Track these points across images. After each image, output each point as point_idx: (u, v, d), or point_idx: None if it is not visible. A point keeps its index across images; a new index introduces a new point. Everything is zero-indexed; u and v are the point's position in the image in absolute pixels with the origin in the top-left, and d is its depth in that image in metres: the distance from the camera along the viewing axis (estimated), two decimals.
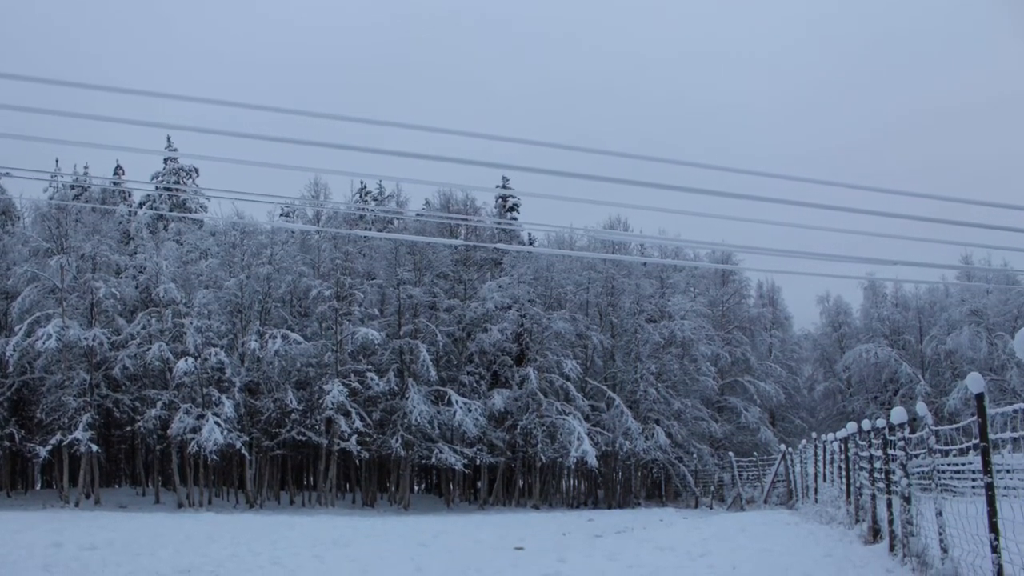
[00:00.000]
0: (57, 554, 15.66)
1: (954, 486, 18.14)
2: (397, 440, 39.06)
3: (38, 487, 45.81)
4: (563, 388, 42.81)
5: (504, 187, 49.93)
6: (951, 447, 10.43)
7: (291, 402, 37.88)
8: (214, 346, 37.68)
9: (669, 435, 44.24)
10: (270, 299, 40.85)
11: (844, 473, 18.02)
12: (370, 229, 45.10)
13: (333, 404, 37.38)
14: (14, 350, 35.86)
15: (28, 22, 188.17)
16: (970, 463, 17.20)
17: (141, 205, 54.24)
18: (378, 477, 44.61)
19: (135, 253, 42.35)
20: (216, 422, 35.70)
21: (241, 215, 41.98)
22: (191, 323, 37.53)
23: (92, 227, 39.71)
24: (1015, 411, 7.55)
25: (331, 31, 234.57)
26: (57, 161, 49.51)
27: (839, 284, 63.08)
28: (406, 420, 39.16)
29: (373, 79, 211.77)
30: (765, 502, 34.37)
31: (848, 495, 17.19)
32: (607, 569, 12.75)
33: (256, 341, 38.06)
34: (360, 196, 54.75)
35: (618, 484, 46.26)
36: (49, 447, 35.51)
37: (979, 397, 7.66)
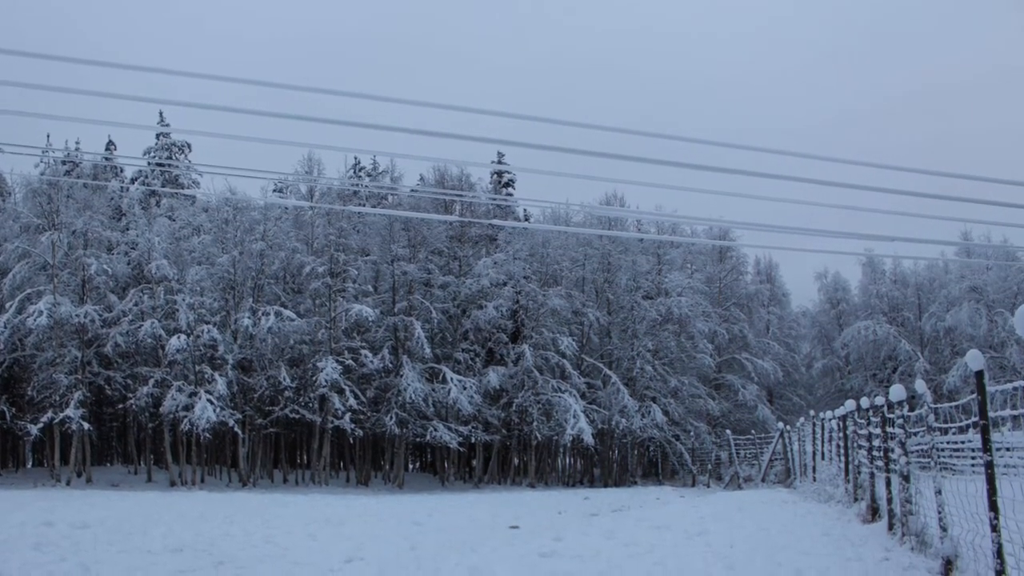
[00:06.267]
0: (48, 533, 15.54)
1: (953, 464, 18.06)
2: (391, 418, 38.95)
3: (29, 465, 45.61)
4: (559, 365, 42.69)
5: (499, 163, 49.69)
6: (950, 425, 10.34)
7: (284, 380, 37.71)
8: (207, 323, 37.50)
9: (666, 413, 44.17)
10: (263, 276, 40.59)
11: (842, 451, 17.89)
12: (364, 205, 44.83)
13: (327, 381, 37.24)
14: (5, 327, 35.61)
15: None
16: (969, 441, 17.11)
17: (133, 181, 53.89)
18: (372, 455, 44.52)
19: (127, 229, 42.10)
20: (209, 400, 35.51)
21: (234, 191, 41.74)
22: (183, 300, 37.31)
23: (84, 203, 39.40)
24: (1015, 389, 7.42)
25: (326, 5, 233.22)
26: (48, 136, 49.11)
27: (837, 260, 63.11)
28: (400, 398, 39.03)
29: (368, 53, 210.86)
30: (763, 481, 34.34)
31: (846, 474, 17.07)
32: (603, 548, 12.61)
33: (249, 318, 37.88)
34: (354, 172, 54.47)
35: (614, 462, 46.23)
36: (40, 425, 35.28)
37: (979, 374, 7.55)
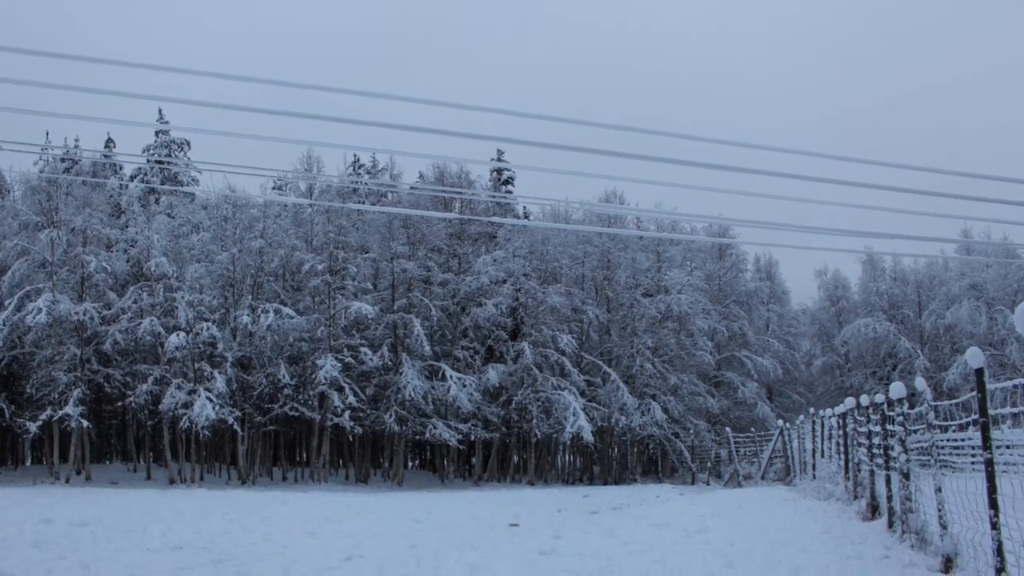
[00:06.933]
0: (47, 531, 15.50)
1: (953, 462, 18.03)
2: (391, 415, 38.92)
3: (28, 463, 45.60)
4: (558, 363, 42.64)
5: (499, 160, 49.62)
6: (950, 423, 10.30)
7: (284, 377, 37.67)
8: (206, 320, 37.43)
9: (665, 410, 44.11)
10: (262, 273, 40.54)
11: (842, 449, 17.86)
12: (363, 202, 44.80)
13: (326, 379, 37.21)
14: (4, 324, 35.57)
15: None
16: (969, 439, 17.08)
17: (132, 178, 53.77)
18: (371, 453, 44.51)
19: (126, 227, 42.00)
20: (208, 397, 35.48)
21: (233, 188, 41.77)
22: (183, 297, 37.26)
23: (83, 200, 39.37)
24: (1015, 386, 7.38)
25: (325, 3, 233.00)
26: (47, 134, 49.12)
27: (837, 258, 62.94)
28: (400, 395, 39.00)
29: (367, 51, 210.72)
30: (762, 478, 34.27)
31: (846, 471, 17.04)
32: (603, 546, 12.58)
33: (248, 315, 37.84)
34: (354, 169, 54.37)
35: (614, 460, 46.18)
36: (39, 423, 35.29)
37: (979, 372, 7.52)
